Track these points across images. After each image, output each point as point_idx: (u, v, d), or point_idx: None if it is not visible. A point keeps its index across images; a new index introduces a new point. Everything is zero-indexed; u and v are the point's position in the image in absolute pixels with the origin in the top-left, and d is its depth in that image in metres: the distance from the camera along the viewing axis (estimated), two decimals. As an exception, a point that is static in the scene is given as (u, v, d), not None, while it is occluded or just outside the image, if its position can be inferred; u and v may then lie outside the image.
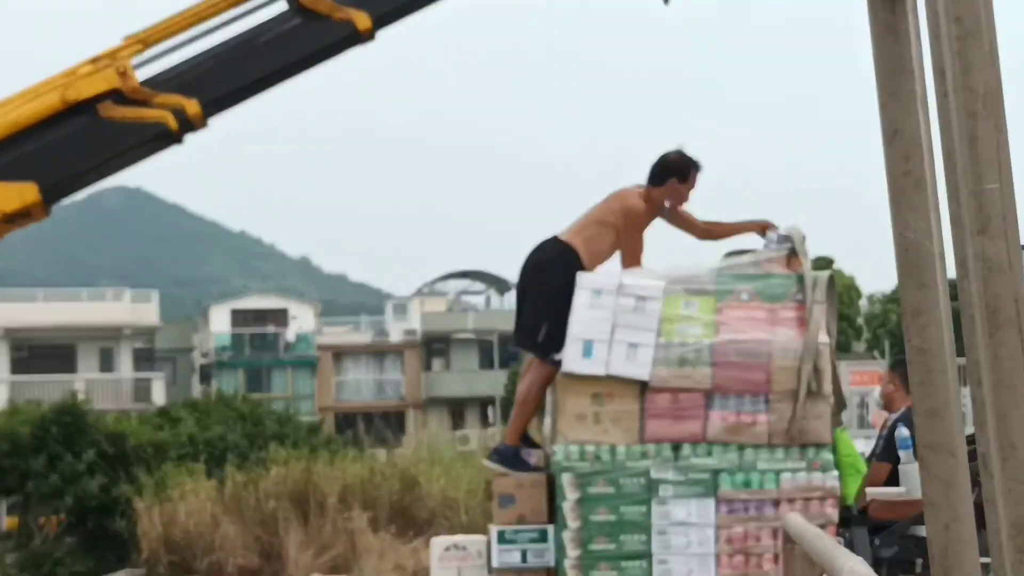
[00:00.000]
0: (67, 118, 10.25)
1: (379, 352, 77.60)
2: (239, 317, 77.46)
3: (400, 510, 19.25)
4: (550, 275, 9.47)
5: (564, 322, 9.20)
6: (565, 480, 9.13)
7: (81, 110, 10.31)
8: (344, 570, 17.94)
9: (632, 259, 9.63)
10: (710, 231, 10.04)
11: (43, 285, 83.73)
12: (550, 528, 9.27)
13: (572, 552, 9.12)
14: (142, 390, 65.22)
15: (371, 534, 18.04)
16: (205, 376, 75.92)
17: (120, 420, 27.04)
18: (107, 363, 67.02)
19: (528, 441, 9.87)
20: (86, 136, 10.25)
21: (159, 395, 63.19)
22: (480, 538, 9.93)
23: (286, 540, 19.43)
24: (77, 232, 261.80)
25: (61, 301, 69.91)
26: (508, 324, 10.13)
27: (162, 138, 10.86)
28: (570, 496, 9.14)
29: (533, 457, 9.70)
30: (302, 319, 77.40)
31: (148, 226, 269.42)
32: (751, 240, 10.01)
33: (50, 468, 24.22)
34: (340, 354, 77.01)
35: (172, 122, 10.71)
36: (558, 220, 9.97)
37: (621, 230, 9.58)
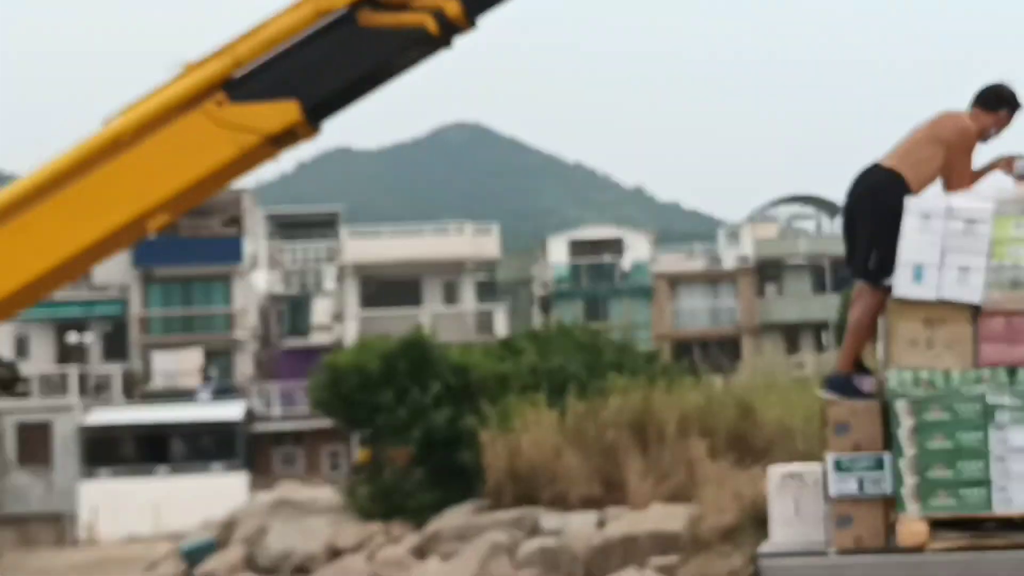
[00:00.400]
0: (325, 30, 9.50)
1: (713, 279, 77.48)
2: (576, 248, 78.33)
3: (737, 438, 19.16)
4: (877, 202, 9.34)
5: (894, 248, 9.08)
6: (899, 407, 9.00)
7: (339, 21, 9.51)
8: (683, 499, 17.97)
9: (961, 182, 9.41)
10: None
11: (389, 221, 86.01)
12: (886, 455, 9.15)
13: (909, 480, 8.99)
14: (484, 322, 66.51)
15: (709, 462, 18.01)
16: (545, 307, 77.02)
17: (464, 352, 27.47)
18: (451, 296, 68.53)
19: (862, 368, 9.77)
20: (344, 47, 9.48)
21: (501, 326, 64.34)
22: (816, 467, 9.85)
23: (626, 469, 19.54)
24: (421, 168, 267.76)
25: (407, 236, 71.71)
26: (840, 248, 9.98)
27: (425, 43, 9.84)
28: (905, 423, 9.01)
29: (867, 384, 9.59)
30: (637, 248, 77.82)
31: (488, 161, 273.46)
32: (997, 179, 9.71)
33: (398, 401, 24.76)
34: (675, 282, 77.16)
35: (432, 25, 9.60)
36: (884, 142, 9.82)
37: (951, 152, 9.39)
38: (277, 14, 9.37)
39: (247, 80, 9.12)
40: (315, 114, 9.34)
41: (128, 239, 9.71)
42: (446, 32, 9.56)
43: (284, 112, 9.10)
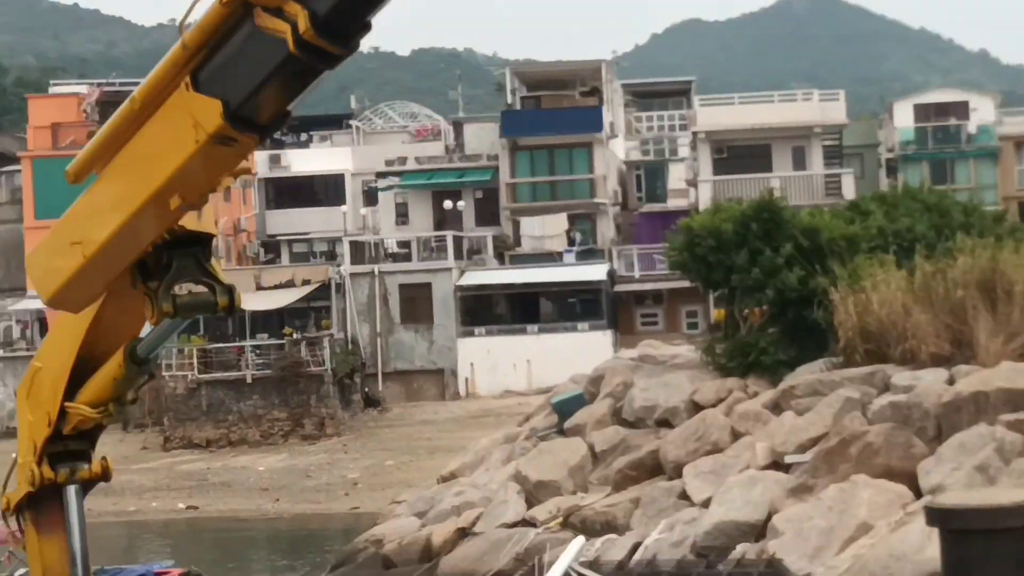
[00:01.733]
0: (241, 25, 7.44)
1: (1062, 139, 74.12)
2: (921, 111, 76.11)
3: (1088, 297, 18.49)
4: None
5: None
6: None
7: (245, 17, 7.37)
8: (1033, 356, 17.46)
9: None
10: None
11: (739, 91, 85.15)
12: None
13: None
14: (832, 185, 65.46)
15: (1059, 321, 17.43)
16: (891, 170, 75.27)
17: (813, 215, 27.06)
18: (799, 161, 67.63)
19: None
20: (248, 48, 7.42)
21: (848, 190, 63.19)
22: None
23: (975, 328, 19.05)
24: (767, 39, 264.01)
25: (755, 104, 71.02)
26: None
27: (290, 62, 7.33)
28: None
29: None
30: (982, 111, 75.06)
31: (832, 29, 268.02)
32: None
33: (751, 262, 24.63)
34: (1021, 144, 74.20)
35: (291, 39, 7.11)
36: None
37: None
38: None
39: (202, 66, 7.55)
40: (242, 120, 7.44)
41: (153, 227, 8.07)
42: (304, 51, 7.15)
43: (213, 110, 7.35)
